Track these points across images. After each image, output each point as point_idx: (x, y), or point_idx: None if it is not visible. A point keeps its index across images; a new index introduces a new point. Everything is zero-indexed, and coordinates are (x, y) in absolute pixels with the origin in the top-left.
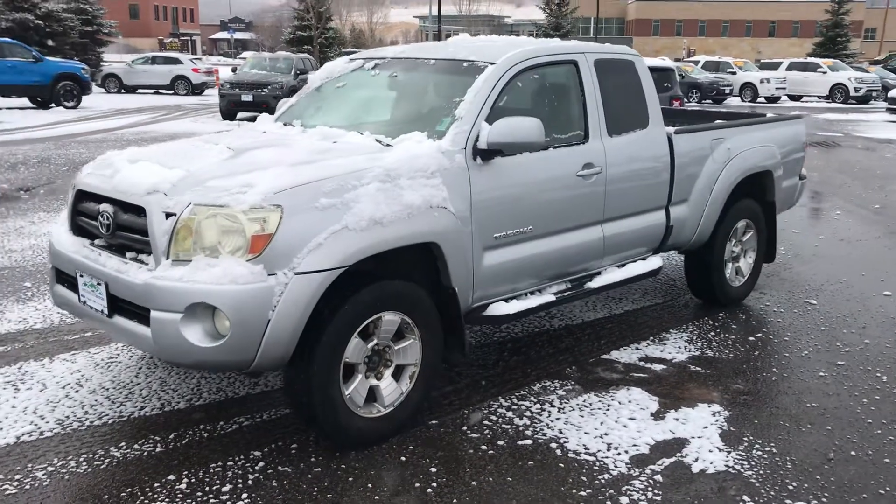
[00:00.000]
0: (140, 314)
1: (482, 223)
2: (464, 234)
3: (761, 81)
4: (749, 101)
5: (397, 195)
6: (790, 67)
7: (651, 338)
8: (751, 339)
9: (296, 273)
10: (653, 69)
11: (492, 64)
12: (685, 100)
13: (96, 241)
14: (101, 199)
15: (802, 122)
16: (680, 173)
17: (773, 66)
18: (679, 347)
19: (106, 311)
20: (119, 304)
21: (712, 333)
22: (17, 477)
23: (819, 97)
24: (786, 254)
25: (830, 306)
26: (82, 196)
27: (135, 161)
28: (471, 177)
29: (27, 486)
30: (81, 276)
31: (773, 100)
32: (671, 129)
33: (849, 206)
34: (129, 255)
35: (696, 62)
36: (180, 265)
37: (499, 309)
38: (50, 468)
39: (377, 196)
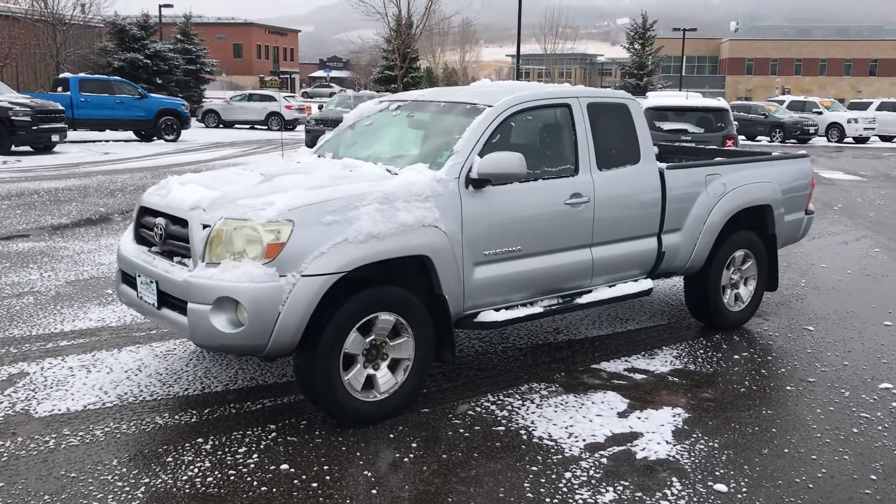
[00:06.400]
0: (180, 306)
1: (472, 241)
2: (454, 249)
3: (848, 121)
4: (835, 142)
5: (393, 215)
6: (881, 107)
7: (643, 352)
8: (735, 357)
9: (302, 275)
10: (707, 109)
11: (489, 107)
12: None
13: (153, 249)
14: (157, 213)
15: (808, 160)
16: (672, 205)
17: (863, 106)
18: (665, 361)
19: (156, 303)
20: (166, 298)
21: (701, 351)
22: (79, 433)
23: None
24: (805, 286)
25: (826, 333)
26: (144, 212)
27: (184, 184)
28: (462, 202)
29: (87, 440)
30: (139, 276)
31: (861, 140)
32: (663, 165)
33: (894, 244)
34: (175, 259)
35: (782, 102)
36: (212, 267)
37: (488, 316)
38: (106, 429)
39: (375, 215)
